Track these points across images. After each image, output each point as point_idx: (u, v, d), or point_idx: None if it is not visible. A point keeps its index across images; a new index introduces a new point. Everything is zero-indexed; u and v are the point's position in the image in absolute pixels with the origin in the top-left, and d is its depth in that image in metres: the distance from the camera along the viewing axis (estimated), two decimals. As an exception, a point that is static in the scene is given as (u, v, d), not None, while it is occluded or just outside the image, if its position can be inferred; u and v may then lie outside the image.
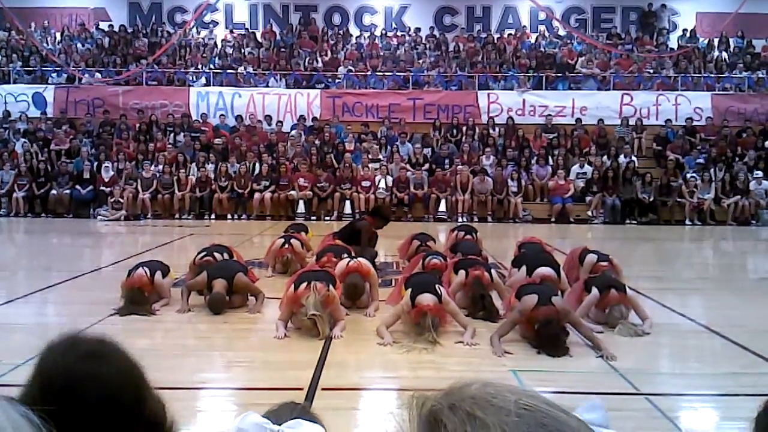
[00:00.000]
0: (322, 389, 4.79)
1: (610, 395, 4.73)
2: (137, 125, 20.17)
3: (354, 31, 24.45)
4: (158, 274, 7.44)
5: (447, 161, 18.82)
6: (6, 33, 23.11)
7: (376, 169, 18.26)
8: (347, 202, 17.79)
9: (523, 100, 20.94)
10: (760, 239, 15.95)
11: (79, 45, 23.00)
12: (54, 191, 17.94)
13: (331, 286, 6.46)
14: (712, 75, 21.65)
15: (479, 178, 17.93)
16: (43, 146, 19.43)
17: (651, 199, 17.71)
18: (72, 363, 1.45)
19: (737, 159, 18.99)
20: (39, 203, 18.06)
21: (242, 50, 22.81)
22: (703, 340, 6.46)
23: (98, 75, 21.61)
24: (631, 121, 20.32)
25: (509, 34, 23.93)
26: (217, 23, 24.63)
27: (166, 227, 16.11)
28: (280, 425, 1.78)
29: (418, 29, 23.91)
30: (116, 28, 23.79)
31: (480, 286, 7.07)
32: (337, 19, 24.81)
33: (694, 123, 20.20)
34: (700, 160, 18.77)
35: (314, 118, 20.58)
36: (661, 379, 5.33)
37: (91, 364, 1.46)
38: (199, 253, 8.43)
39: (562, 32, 23.86)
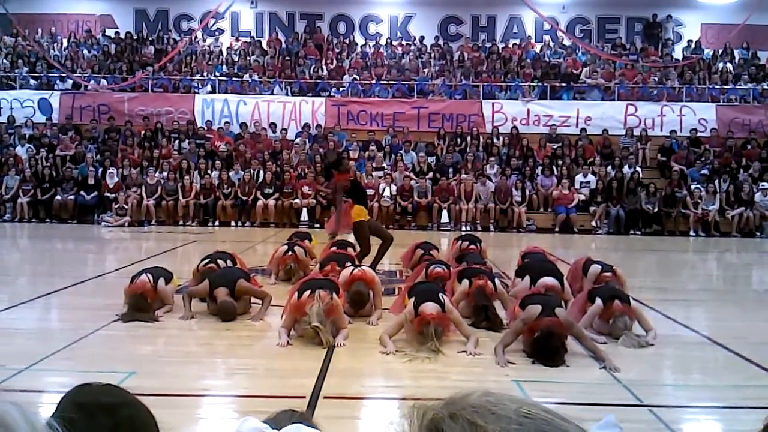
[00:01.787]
0: (325, 398, 4.78)
1: (614, 406, 4.71)
2: (142, 132, 20.24)
3: (359, 39, 24.52)
4: (161, 281, 7.44)
5: (451, 170, 18.84)
6: (12, 39, 23.24)
7: (380, 178, 18.27)
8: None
9: (528, 110, 20.95)
10: (764, 251, 15.91)
11: (85, 51, 23.11)
12: (58, 197, 17.99)
13: (334, 295, 6.46)
14: (717, 86, 21.66)
15: (480, 182, 17.97)
16: (48, 152, 19.50)
17: (655, 210, 17.69)
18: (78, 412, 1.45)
19: (742, 170, 18.98)
20: (43, 209, 18.11)
21: (248, 58, 22.88)
22: (707, 351, 6.43)
23: (104, 81, 21.70)
24: (636, 132, 20.33)
25: (514, 44, 23.97)
26: (223, 31, 24.73)
27: (169, 234, 16.14)
28: (279, 429, 1.79)
29: (422, 38, 23.98)
30: (122, 35, 23.91)
31: (483, 296, 7.04)
32: (342, 27, 24.89)
33: (699, 134, 20.20)
34: (705, 171, 18.75)
35: (318, 126, 20.62)
36: (664, 391, 5.31)
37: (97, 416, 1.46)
38: (202, 260, 8.44)
39: (567, 42, 23.90)
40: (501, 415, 0.91)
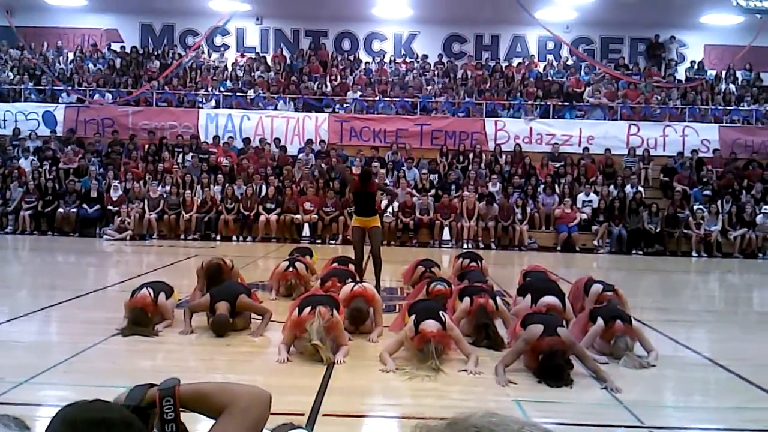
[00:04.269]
0: (324, 415, 4.76)
1: (615, 427, 4.68)
2: (146, 145, 20.29)
3: (363, 56, 24.66)
4: (162, 295, 7.44)
5: (453, 187, 18.86)
6: (18, 52, 23.38)
7: (381, 194, 18.24)
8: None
9: (531, 128, 21.01)
10: (766, 272, 15.85)
11: (90, 65, 23.23)
12: (61, 209, 17.99)
13: (334, 311, 6.44)
14: (720, 107, 21.71)
15: (485, 203, 17.95)
16: (52, 165, 19.54)
17: (657, 230, 17.68)
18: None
19: (744, 191, 18.98)
20: (45, 221, 18.12)
21: (252, 73, 23.00)
22: (708, 373, 6.41)
23: (109, 95, 21.79)
24: (638, 152, 20.35)
25: (518, 63, 24.09)
26: (228, 46, 24.88)
27: (171, 248, 16.13)
28: None
29: (426, 56, 24.08)
30: (128, 50, 24.04)
31: (485, 314, 7.02)
32: (347, 44, 25.03)
33: (701, 155, 20.25)
34: (707, 192, 18.76)
35: (322, 142, 20.67)
36: (665, 412, 5.28)
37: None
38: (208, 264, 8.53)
39: (570, 62, 24.01)
40: (502, 436, 0.91)
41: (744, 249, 17.57)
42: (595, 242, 17.81)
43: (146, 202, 18.04)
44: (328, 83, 22.68)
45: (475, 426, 0.93)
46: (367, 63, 24.11)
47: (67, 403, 1.54)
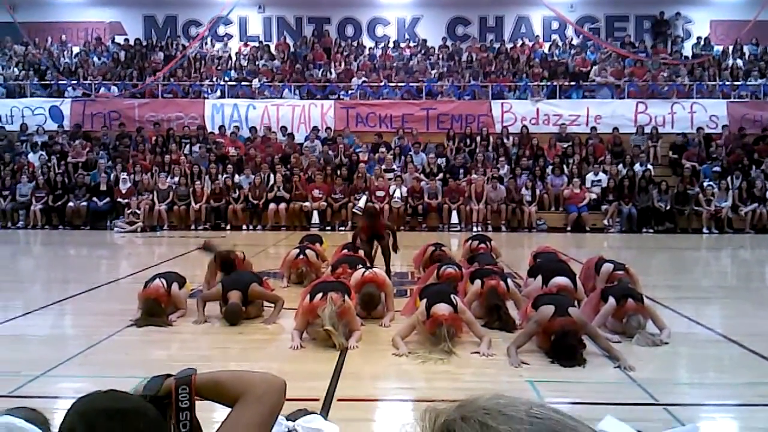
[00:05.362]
0: (338, 400, 4.79)
1: (629, 406, 4.70)
2: (153, 137, 20.33)
3: (367, 42, 24.57)
4: (175, 286, 7.49)
5: (461, 171, 18.82)
6: (23, 47, 23.42)
7: (390, 179, 18.27)
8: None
9: (537, 109, 20.91)
10: (778, 247, 15.79)
11: (95, 59, 23.26)
12: (71, 203, 18.09)
13: (346, 297, 6.47)
14: (728, 83, 21.54)
15: (492, 185, 17.90)
16: (60, 159, 19.62)
17: (667, 208, 17.60)
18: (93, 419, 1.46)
19: (754, 166, 18.86)
20: (56, 215, 18.22)
21: (256, 62, 22.96)
22: (722, 349, 6.40)
23: (114, 88, 21.82)
24: (647, 130, 20.24)
25: (522, 44, 23.95)
26: (232, 36, 24.84)
27: (182, 238, 16.19)
28: (294, 421, 1.82)
29: (425, 40, 23.91)
30: (132, 42, 24.04)
31: (496, 296, 7.04)
32: (350, 30, 24.95)
33: (710, 131, 20.11)
34: (717, 168, 18.65)
35: (328, 129, 20.65)
36: (679, 389, 5.28)
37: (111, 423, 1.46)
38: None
39: (575, 41, 23.85)
40: (512, 416, 0.92)
41: (755, 224, 17.49)
42: (605, 222, 17.75)
43: (155, 193, 18.11)
44: (333, 70, 22.63)
45: (484, 408, 0.94)
46: (370, 48, 24.04)
47: (82, 395, 1.55)
